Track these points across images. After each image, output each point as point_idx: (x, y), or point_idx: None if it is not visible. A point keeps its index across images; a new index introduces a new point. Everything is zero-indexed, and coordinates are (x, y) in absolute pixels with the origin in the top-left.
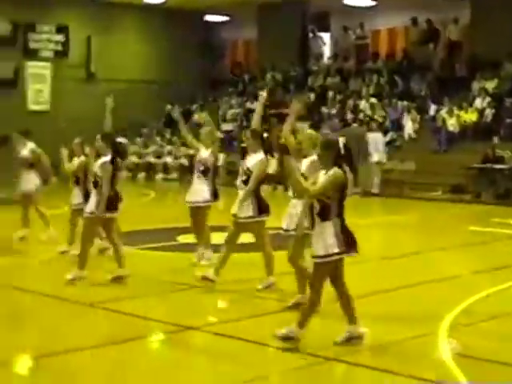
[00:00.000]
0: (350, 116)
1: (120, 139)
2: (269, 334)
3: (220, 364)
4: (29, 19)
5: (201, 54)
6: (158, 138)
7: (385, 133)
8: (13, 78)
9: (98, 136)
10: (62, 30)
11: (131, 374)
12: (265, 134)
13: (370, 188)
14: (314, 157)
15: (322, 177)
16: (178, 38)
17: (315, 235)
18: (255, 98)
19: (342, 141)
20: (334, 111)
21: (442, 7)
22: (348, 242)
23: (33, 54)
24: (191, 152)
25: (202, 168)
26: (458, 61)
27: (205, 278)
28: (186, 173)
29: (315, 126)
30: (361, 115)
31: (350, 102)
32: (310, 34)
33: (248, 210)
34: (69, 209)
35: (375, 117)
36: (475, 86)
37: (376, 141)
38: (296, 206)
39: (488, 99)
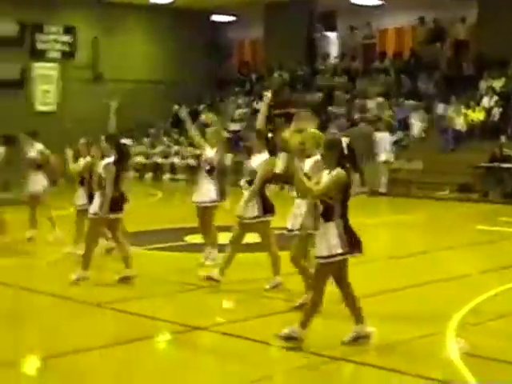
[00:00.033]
0: (357, 115)
1: (124, 140)
2: (276, 334)
3: (227, 364)
4: (36, 20)
5: (208, 53)
6: (165, 139)
7: (392, 132)
8: (20, 79)
9: (102, 137)
10: (69, 30)
11: (139, 374)
12: (269, 134)
13: (377, 187)
14: (318, 157)
15: (325, 177)
16: (184, 38)
17: (319, 236)
18: (262, 97)
19: (345, 141)
20: (341, 111)
21: (449, 6)
22: (352, 242)
23: (40, 55)
24: (198, 152)
25: (207, 168)
26: (465, 60)
27: (209, 278)
28: (193, 173)
29: (322, 126)
30: (368, 115)
31: (357, 102)
32: (317, 34)
33: (253, 211)
34: (74, 209)
35: (383, 116)
36: (482, 84)
37: (383, 140)
38: (300, 206)
39: (495, 98)
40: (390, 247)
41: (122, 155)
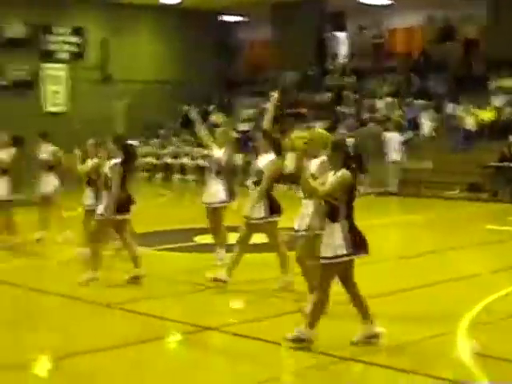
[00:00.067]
0: (366, 115)
1: (131, 141)
2: (286, 334)
3: (237, 364)
4: (45, 21)
5: (216, 54)
6: (174, 139)
7: (401, 132)
8: (29, 80)
9: (109, 138)
10: (77, 31)
11: (149, 375)
12: (276, 135)
13: (387, 187)
14: (324, 157)
15: (331, 177)
16: (193, 39)
17: (324, 236)
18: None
19: (351, 141)
20: (350, 111)
21: (458, 5)
22: (356, 243)
23: (49, 56)
24: (206, 152)
25: (216, 168)
26: (474, 59)
27: (216, 280)
28: (202, 173)
29: (332, 126)
30: (377, 114)
31: (367, 102)
32: (327, 34)
33: (260, 211)
34: (82, 210)
35: (393, 116)
36: (492, 84)
37: (392, 140)
38: (308, 207)
39: (505, 98)
40: (400, 247)
41: (129, 156)
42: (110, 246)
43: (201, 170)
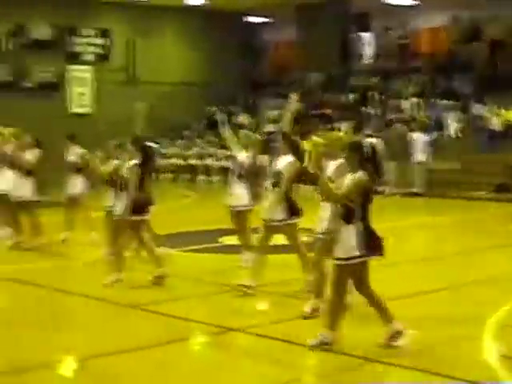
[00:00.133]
0: (392, 116)
1: (149, 143)
2: (310, 335)
3: (261, 365)
4: (71, 23)
5: (241, 55)
6: (199, 140)
7: (427, 132)
8: (55, 82)
9: (128, 139)
10: (103, 33)
11: (173, 376)
12: (296, 137)
13: (413, 188)
14: (342, 160)
15: (348, 179)
16: (218, 40)
17: (339, 238)
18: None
19: (369, 143)
20: (375, 111)
21: (484, 5)
22: (371, 245)
23: (75, 58)
24: (230, 153)
25: (239, 171)
26: (500, 60)
27: (242, 286)
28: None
29: (357, 127)
30: (403, 115)
31: (392, 102)
32: (351, 35)
33: (279, 213)
34: (104, 211)
35: (418, 117)
36: None
37: (418, 141)
38: (325, 209)
39: None
40: (425, 248)
41: (147, 157)
42: (130, 246)
43: (225, 172)
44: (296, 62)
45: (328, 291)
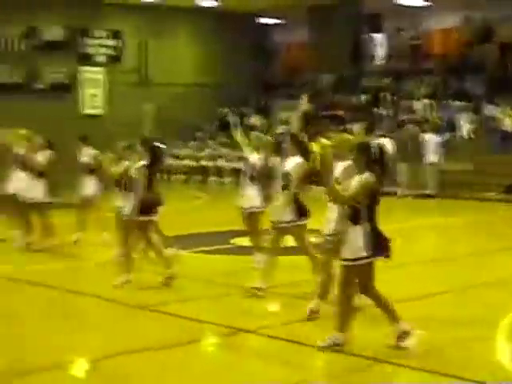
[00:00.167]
0: (404, 117)
1: (158, 144)
2: (320, 336)
3: (271, 366)
4: (83, 24)
5: (253, 56)
6: (211, 142)
7: (439, 133)
8: (67, 83)
9: (137, 141)
10: (115, 34)
11: (184, 377)
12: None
13: (425, 189)
14: (349, 162)
15: (355, 181)
16: (230, 41)
17: (346, 238)
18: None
19: (376, 144)
20: (387, 112)
21: (496, 7)
22: (377, 246)
23: (87, 59)
24: (241, 155)
25: (250, 173)
26: (511, 61)
27: (256, 288)
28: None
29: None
30: (415, 116)
31: (404, 103)
32: (363, 36)
33: (288, 214)
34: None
35: (431, 118)
36: None
37: (430, 142)
38: (332, 211)
39: None
40: (436, 249)
41: (155, 158)
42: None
43: (237, 173)
44: (308, 63)
45: (335, 293)
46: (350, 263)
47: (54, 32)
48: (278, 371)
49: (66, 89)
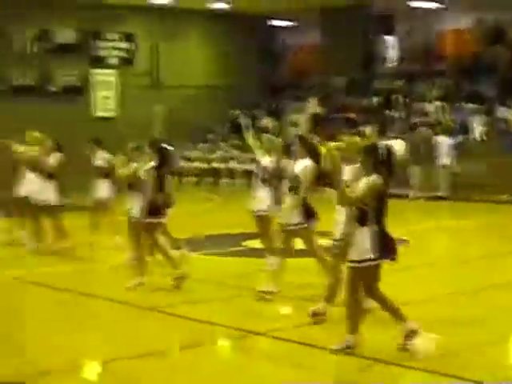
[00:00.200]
0: (416, 119)
1: (167, 146)
2: (331, 338)
3: (282, 369)
4: (95, 27)
5: (265, 59)
6: (223, 144)
7: (452, 136)
8: (79, 86)
9: (146, 143)
10: (128, 37)
11: (195, 379)
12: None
13: (437, 191)
14: (357, 165)
15: (362, 183)
16: (242, 44)
17: (354, 240)
18: (319, 102)
19: (384, 146)
20: (400, 114)
21: (507, 8)
22: (384, 248)
23: (99, 62)
24: (253, 157)
25: (262, 175)
26: None
27: (264, 292)
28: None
29: (381, 130)
30: (427, 118)
31: (416, 105)
32: (375, 38)
33: (296, 217)
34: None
35: (443, 120)
36: None
37: (443, 144)
38: (341, 213)
39: None
40: (448, 252)
41: (164, 160)
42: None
43: (249, 175)
44: (319, 65)
45: (344, 296)
46: (357, 265)
47: (66, 35)
48: (288, 373)
49: (79, 91)
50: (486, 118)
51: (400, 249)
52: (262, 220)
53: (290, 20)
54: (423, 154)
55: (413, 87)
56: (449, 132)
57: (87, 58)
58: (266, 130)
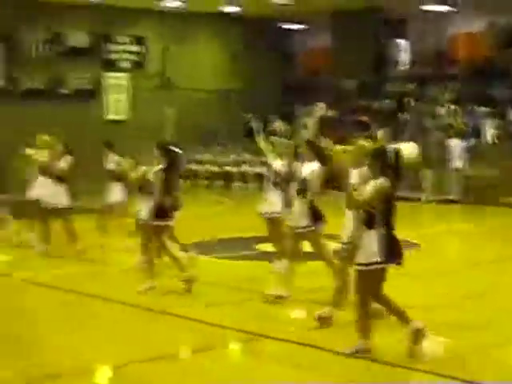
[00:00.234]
0: (428, 122)
1: (175, 148)
2: (343, 342)
3: (295, 373)
4: (106, 30)
5: (276, 62)
6: (234, 147)
7: (464, 139)
8: (91, 89)
9: (155, 145)
10: (138, 40)
11: (207, 383)
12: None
13: (449, 195)
14: (365, 168)
15: (370, 185)
16: (253, 46)
17: (361, 243)
18: (330, 106)
19: (392, 149)
20: (412, 118)
21: None
22: (391, 252)
23: (110, 65)
24: (265, 160)
25: (274, 179)
26: None
27: (277, 297)
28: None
29: (393, 133)
30: (440, 121)
31: (429, 109)
32: (387, 41)
33: (304, 220)
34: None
35: (455, 123)
36: None
37: (455, 147)
38: (349, 218)
39: None
40: (458, 256)
41: (172, 162)
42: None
43: (261, 178)
44: (331, 68)
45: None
46: (364, 268)
47: (78, 38)
48: (299, 376)
49: (90, 94)
50: (499, 122)
51: (411, 252)
52: (274, 223)
53: (301, 23)
54: (435, 157)
55: (425, 90)
56: (461, 135)
57: (99, 61)
58: (277, 134)
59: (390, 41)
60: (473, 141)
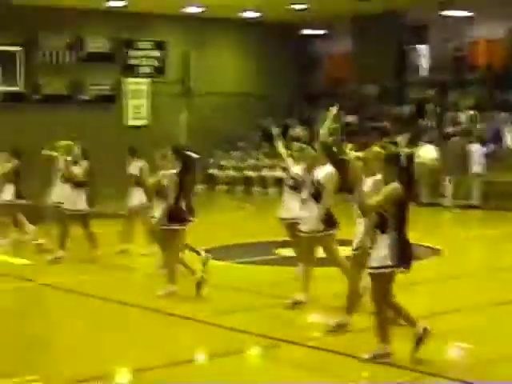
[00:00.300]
0: (449, 128)
1: (190, 153)
2: (364, 347)
3: (315, 378)
4: (127, 36)
5: (296, 67)
6: (254, 152)
7: (484, 144)
8: (112, 94)
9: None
10: (159, 46)
11: None
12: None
13: (470, 200)
14: (379, 176)
15: (383, 189)
16: (273, 52)
17: (374, 247)
18: (351, 111)
19: (405, 154)
20: (432, 123)
21: None
22: (401, 256)
23: (131, 71)
24: (284, 165)
25: (291, 184)
26: None
27: (296, 303)
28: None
29: (413, 139)
30: (460, 127)
31: (449, 114)
32: (408, 47)
33: (317, 224)
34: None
35: (475, 129)
36: None
37: (476, 153)
38: (361, 225)
39: None
40: (478, 262)
41: (187, 167)
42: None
43: (281, 183)
44: (351, 74)
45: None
46: (376, 271)
47: (99, 44)
48: (320, 382)
49: (111, 100)
50: None
51: (432, 258)
52: (293, 228)
53: (321, 28)
54: (456, 162)
55: (445, 96)
56: (481, 141)
57: (119, 67)
58: (297, 139)
59: (410, 46)
60: (492, 146)
